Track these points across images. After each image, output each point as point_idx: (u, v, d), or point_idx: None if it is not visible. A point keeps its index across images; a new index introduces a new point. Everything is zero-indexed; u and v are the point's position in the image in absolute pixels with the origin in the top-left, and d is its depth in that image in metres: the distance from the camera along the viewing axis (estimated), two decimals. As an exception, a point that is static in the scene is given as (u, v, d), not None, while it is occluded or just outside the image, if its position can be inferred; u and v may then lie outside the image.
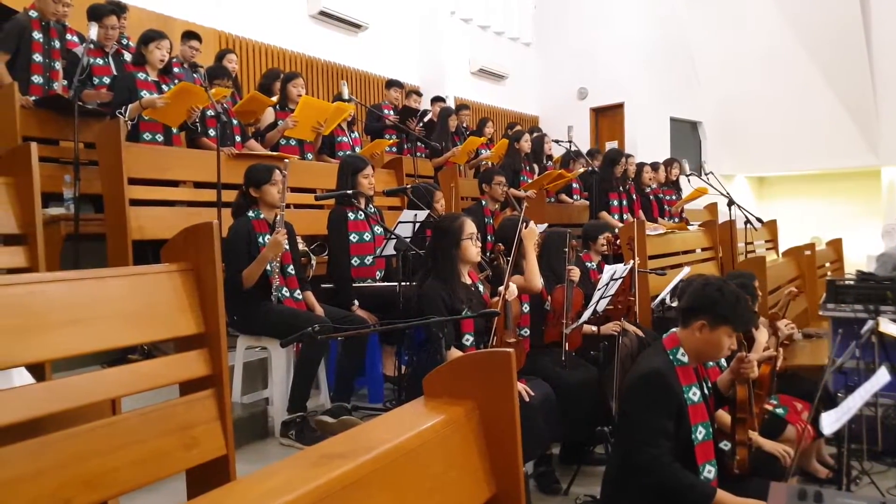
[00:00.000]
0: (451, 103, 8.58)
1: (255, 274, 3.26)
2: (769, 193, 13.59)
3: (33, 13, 4.38)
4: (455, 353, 2.87)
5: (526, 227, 3.29)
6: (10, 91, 3.84)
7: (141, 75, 4.21)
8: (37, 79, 4.34)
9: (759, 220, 6.11)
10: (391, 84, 7.32)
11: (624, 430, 2.42)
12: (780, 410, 3.06)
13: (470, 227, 3.08)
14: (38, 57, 4.34)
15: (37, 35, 4.35)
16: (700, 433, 2.25)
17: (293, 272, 3.48)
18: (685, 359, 2.30)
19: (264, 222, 3.42)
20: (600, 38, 11.03)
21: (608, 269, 3.52)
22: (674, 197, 7.46)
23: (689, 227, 6.50)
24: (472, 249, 3.07)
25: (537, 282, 3.31)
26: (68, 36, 4.60)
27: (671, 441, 2.18)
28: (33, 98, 4.08)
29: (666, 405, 2.20)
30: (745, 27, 10.95)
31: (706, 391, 2.35)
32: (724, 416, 2.54)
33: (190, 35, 5.63)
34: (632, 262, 3.95)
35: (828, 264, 6.95)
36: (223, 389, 1.78)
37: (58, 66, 4.44)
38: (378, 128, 6.83)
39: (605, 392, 3.41)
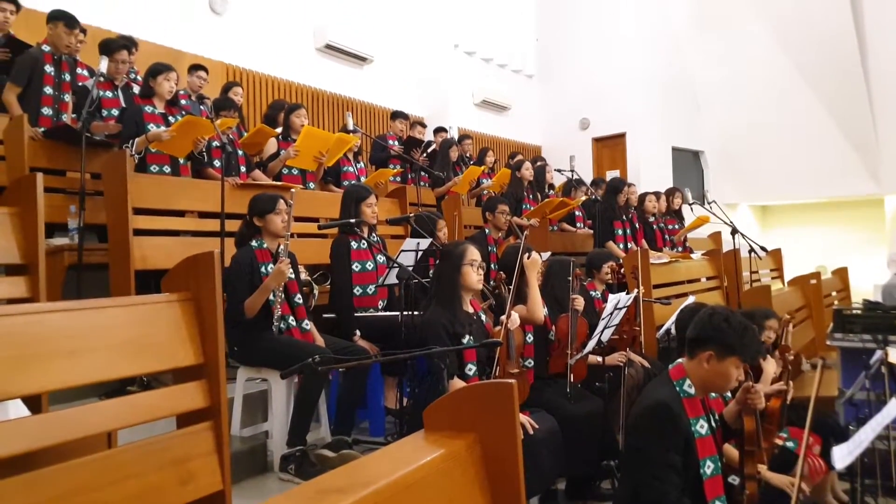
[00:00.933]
0: (454, 134, 8.66)
1: (258, 304, 3.25)
2: (773, 222, 13.59)
3: (46, 47, 4.46)
4: (458, 383, 2.83)
5: (528, 258, 3.28)
6: (19, 122, 3.88)
7: (148, 108, 4.26)
8: (47, 111, 4.41)
9: (763, 248, 6.09)
10: (396, 115, 7.40)
11: (632, 465, 2.37)
12: (790, 444, 3.00)
13: (472, 253, 3.07)
14: (48, 89, 4.42)
15: (48, 68, 4.43)
16: (709, 467, 2.20)
17: (300, 302, 3.46)
18: (692, 390, 2.26)
19: (267, 252, 3.42)
20: (602, 70, 11.15)
21: (612, 299, 3.49)
22: (676, 226, 7.45)
23: (692, 256, 6.48)
24: (473, 276, 3.06)
25: (539, 313, 3.28)
26: (79, 70, 4.68)
27: (680, 476, 2.13)
28: (42, 129, 4.12)
29: (674, 439, 2.16)
30: (745, 58, 11.06)
31: (713, 423, 2.31)
32: (730, 449, 2.49)
33: (197, 66, 5.71)
34: (636, 291, 3.92)
35: (834, 293, 6.90)
36: (221, 422, 1.75)
37: (67, 98, 4.51)
38: (383, 158, 6.88)
39: (612, 424, 3.36)
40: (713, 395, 2.46)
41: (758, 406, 2.35)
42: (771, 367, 3.43)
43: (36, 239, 2.17)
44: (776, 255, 7.78)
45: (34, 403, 1.76)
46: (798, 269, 7.06)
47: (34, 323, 1.44)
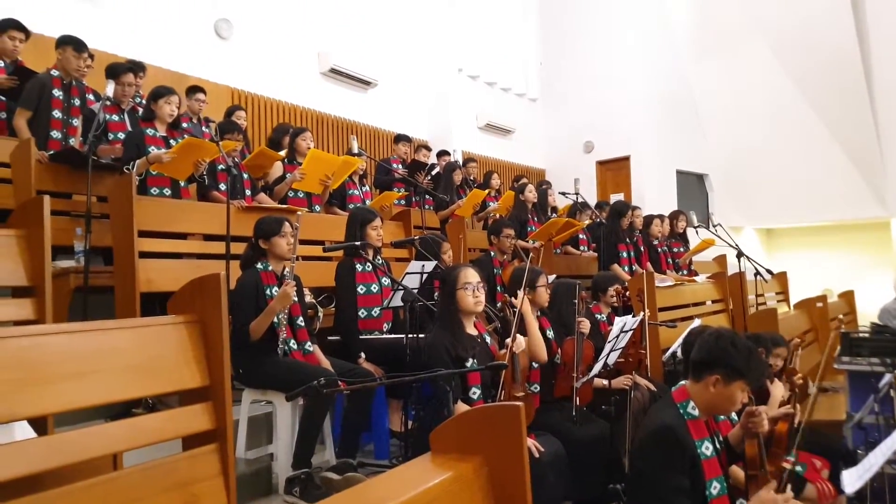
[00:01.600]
0: (458, 157, 8.71)
1: (263, 326, 3.24)
2: (778, 245, 13.56)
3: (55, 72, 4.52)
4: (462, 406, 2.82)
5: (525, 294, 3.28)
6: (26, 146, 3.91)
7: (150, 131, 4.29)
8: (55, 134, 4.46)
9: (769, 271, 6.07)
10: (399, 139, 7.45)
11: (639, 489, 2.34)
12: (798, 468, 2.97)
13: (465, 276, 3.06)
14: (57, 113, 4.47)
15: (57, 93, 4.48)
16: (715, 488, 2.18)
17: (303, 324, 3.46)
18: (696, 412, 2.25)
19: (272, 274, 3.42)
20: (606, 93, 11.23)
21: (618, 322, 3.48)
22: (681, 249, 7.45)
23: (696, 279, 6.47)
24: (468, 299, 3.05)
25: (542, 352, 3.27)
26: (87, 95, 4.73)
27: (689, 499, 2.11)
28: (50, 152, 4.16)
29: (680, 461, 2.14)
30: (748, 81, 11.13)
31: (718, 445, 2.29)
32: (738, 472, 2.46)
33: (194, 89, 5.77)
34: (642, 314, 3.91)
35: (841, 316, 6.86)
36: (227, 444, 1.74)
37: (76, 122, 4.56)
38: (387, 181, 6.92)
39: (618, 448, 3.33)
40: (721, 417, 2.44)
41: (761, 430, 2.33)
42: (779, 390, 3.41)
43: (42, 261, 2.18)
44: (782, 278, 7.76)
45: (40, 425, 1.75)
46: (804, 292, 7.04)
47: (40, 345, 1.44)
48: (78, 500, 1.39)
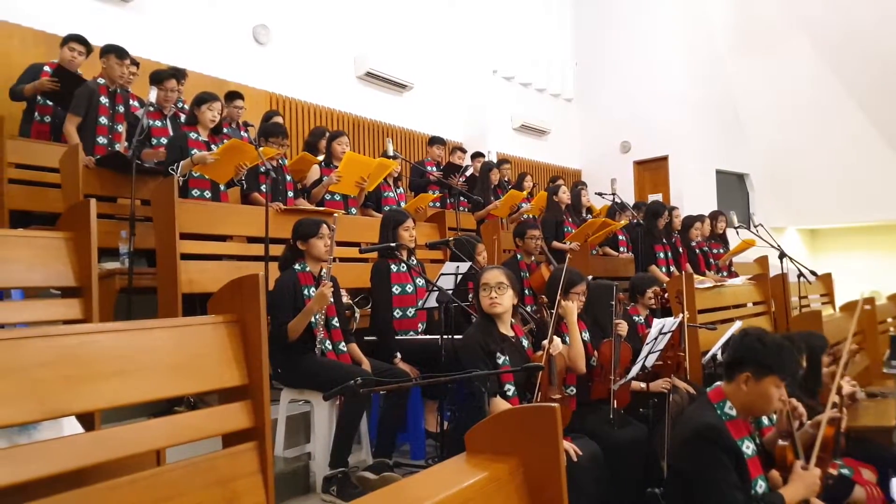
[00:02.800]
0: (493, 159, 8.69)
1: (301, 326, 3.29)
2: (822, 246, 13.20)
3: (101, 80, 4.66)
4: (500, 401, 2.82)
5: (563, 300, 3.26)
6: (74, 151, 4.04)
7: (192, 135, 4.39)
8: (101, 139, 4.60)
9: (812, 273, 5.92)
10: (434, 141, 7.47)
11: (681, 493, 2.31)
12: (845, 470, 2.89)
13: (483, 278, 3.07)
14: (103, 120, 4.61)
15: (103, 100, 4.62)
16: (760, 487, 2.15)
17: (338, 325, 3.50)
18: (733, 412, 2.23)
19: (310, 275, 3.46)
20: (643, 92, 11.09)
21: (657, 323, 3.43)
22: (721, 250, 7.31)
23: (736, 281, 6.33)
24: (484, 301, 3.05)
25: (581, 363, 3.24)
26: (132, 102, 4.87)
27: (744, 493, 2.09)
28: (96, 157, 4.29)
29: (728, 458, 2.12)
30: (791, 78, 10.88)
31: (756, 446, 2.26)
32: (777, 476, 2.41)
33: (233, 95, 5.88)
34: (681, 315, 3.85)
35: (889, 319, 6.65)
36: (265, 442, 1.77)
37: (121, 129, 4.70)
38: (422, 183, 6.94)
39: (656, 451, 3.28)
40: (765, 423, 2.40)
41: (799, 416, 2.28)
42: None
43: (89, 263, 2.24)
44: (827, 279, 7.55)
45: (87, 421, 1.80)
46: (850, 294, 6.82)
47: (86, 343, 1.49)
48: (123, 494, 1.43)
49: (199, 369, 1.68)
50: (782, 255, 5.82)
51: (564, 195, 6.65)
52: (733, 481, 2.09)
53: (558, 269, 3.62)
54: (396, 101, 9.18)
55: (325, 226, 3.51)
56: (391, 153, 5.75)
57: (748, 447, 2.19)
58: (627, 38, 11.38)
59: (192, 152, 4.23)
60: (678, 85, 10.90)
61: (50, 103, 4.71)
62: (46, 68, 4.74)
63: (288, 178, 4.94)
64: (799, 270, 5.80)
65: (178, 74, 5.16)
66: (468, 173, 7.12)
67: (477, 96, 10.22)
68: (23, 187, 4.28)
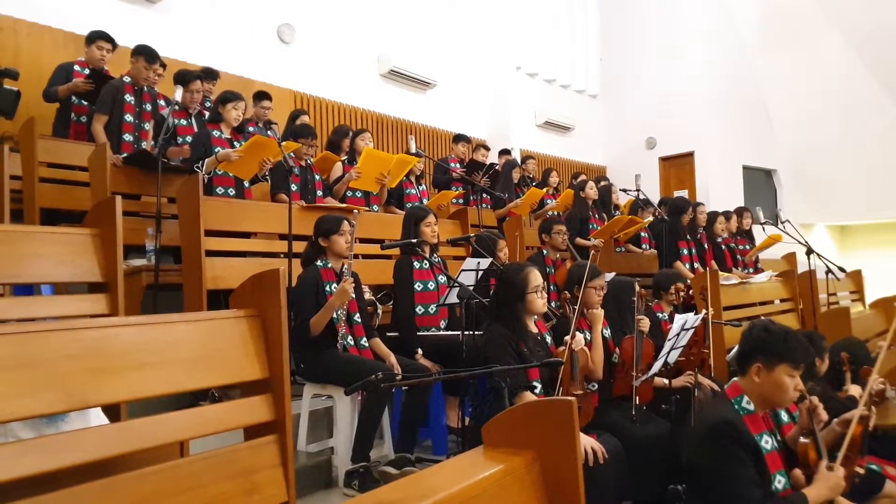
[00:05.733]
0: (517, 156, 8.66)
1: (323, 322, 3.32)
2: (852, 243, 12.94)
3: (127, 78, 4.74)
4: (528, 396, 2.82)
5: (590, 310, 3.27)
6: (102, 150, 4.12)
7: (216, 132, 4.44)
8: (127, 137, 4.68)
9: (841, 269, 5.81)
10: (458, 138, 7.47)
11: (700, 488, 2.29)
12: (874, 466, 2.84)
13: (535, 279, 3.04)
14: (129, 118, 4.69)
15: (129, 98, 4.70)
16: (779, 482, 2.13)
17: (359, 320, 3.52)
18: (751, 406, 2.21)
19: (332, 271, 3.49)
20: (668, 88, 10.97)
21: (679, 319, 3.40)
22: (747, 247, 7.20)
23: (762, 277, 6.24)
24: (538, 302, 3.03)
25: (599, 370, 3.23)
26: (159, 101, 4.95)
27: (761, 489, 2.07)
28: (123, 155, 4.36)
29: (745, 453, 2.10)
30: (821, 72, 10.67)
31: (776, 441, 2.23)
32: (799, 475, 2.38)
33: (261, 95, 5.94)
34: (704, 311, 3.81)
35: (922, 317, 6.49)
36: (286, 436, 1.79)
37: (147, 126, 4.77)
38: (444, 180, 6.95)
39: (679, 448, 3.25)
40: (785, 419, 2.36)
41: (821, 418, 2.27)
42: (854, 392, 3.28)
43: (115, 258, 2.28)
44: (856, 276, 7.41)
45: (113, 413, 1.84)
46: (881, 291, 6.69)
47: (110, 336, 1.52)
48: (147, 484, 1.46)
49: (220, 363, 1.71)
50: (810, 252, 5.73)
51: (591, 191, 6.60)
52: (750, 476, 2.07)
53: (578, 265, 3.61)
54: (420, 99, 9.20)
55: (345, 222, 3.54)
56: (413, 150, 5.76)
57: (767, 442, 2.17)
58: (653, 33, 11.26)
59: (216, 150, 4.29)
60: (704, 80, 10.76)
61: (85, 103, 4.80)
62: (77, 67, 4.83)
63: (317, 177, 4.99)
64: (827, 267, 5.70)
65: (210, 75, 5.23)
66: (493, 170, 7.10)
67: (500, 93, 10.20)
68: (53, 186, 4.37)
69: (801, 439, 2.25)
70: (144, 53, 4.72)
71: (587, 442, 2.69)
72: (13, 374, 1.31)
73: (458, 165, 7.08)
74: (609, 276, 4.31)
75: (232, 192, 4.43)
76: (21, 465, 1.28)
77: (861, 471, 2.80)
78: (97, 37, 4.84)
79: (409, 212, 4.23)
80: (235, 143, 4.47)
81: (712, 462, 2.16)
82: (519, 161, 7.99)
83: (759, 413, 2.21)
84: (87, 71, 4.78)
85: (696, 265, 6.13)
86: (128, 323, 1.55)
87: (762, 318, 4.67)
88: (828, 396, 2.89)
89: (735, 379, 2.30)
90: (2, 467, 1.26)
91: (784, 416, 2.37)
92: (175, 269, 4.02)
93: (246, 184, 4.51)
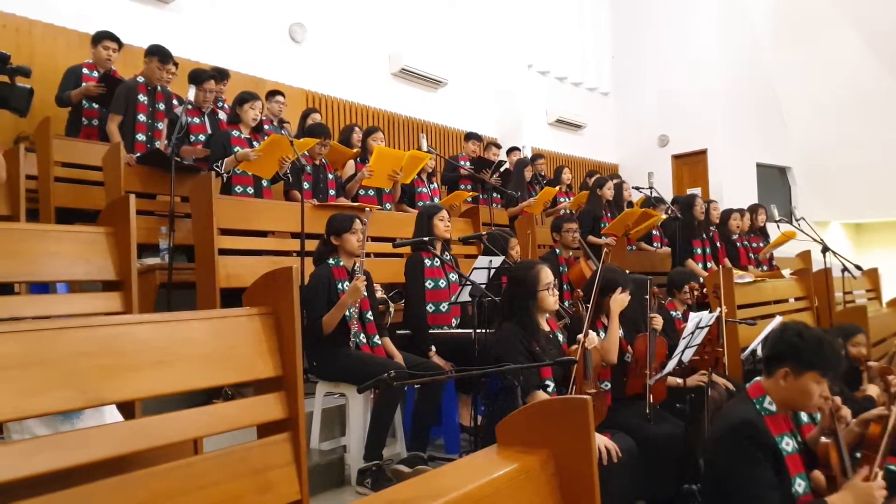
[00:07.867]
0: (528, 154, 8.63)
1: (335, 320, 3.32)
2: (868, 241, 12.80)
3: (140, 78, 4.76)
4: (541, 395, 2.81)
5: (616, 293, 3.23)
6: (116, 150, 4.15)
7: (235, 133, 4.47)
8: (140, 136, 4.71)
9: (858, 267, 5.75)
10: (470, 137, 7.44)
11: (718, 489, 2.26)
12: (892, 467, 2.79)
13: (546, 276, 3.03)
14: (142, 117, 4.71)
15: (142, 98, 4.73)
16: (800, 485, 2.09)
17: (371, 318, 3.52)
18: (773, 407, 2.17)
19: (344, 269, 3.49)
20: (681, 85, 10.89)
21: (693, 317, 3.37)
22: (761, 244, 7.14)
23: (783, 273, 6.17)
24: (550, 299, 3.02)
25: (614, 354, 3.21)
26: (172, 101, 4.97)
27: (779, 492, 2.03)
28: (136, 154, 4.39)
29: (764, 455, 2.07)
30: (835, 69, 10.56)
31: (798, 443, 2.20)
32: (820, 477, 2.34)
33: (274, 92, 5.97)
34: (718, 310, 3.77)
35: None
36: (299, 434, 1.79)
37: (160, 126, 4.80)
38: (453, 178, 6.93)
39: (693, 447, 3.22)
40: (805, 420, 2.34)
41: (844, 418, 2.23)
42: (873, 391, 3.24)
43: (129, 257, 2.30)
44: (873, 274, 7.33)
45: (128, 411, 1.85)
46: (898, 289, 6.63)
47: (125, 334, 1.53)
48: (161, 481, 1.46)
49: (234, 360, 1.71)
50: (825, 249, 5.67)
51: (609, 191, 6.56)
52: (769, 478, 2.03)
53: (615, 272, 3.50)
54: (431, 98, 9.19)
55: (357, 221, 3.54)
56: (425, 149, 5.75)
57: (787, 444, 2.13)
58: (665, 30, 11.18)
59: (235, 150, 4.32)
60: (717, 77, 10.67)
61: (96, 106, 4.83)
62: (85, 70, 4.85)
63: (330, 176, 5.00)
64: (843, 265, 5.64)
65: (221, 75, 5.25)
66: (503, 168, 7.08)
67: (512, 91, 10.17)
68: (68, 185, 4.40)
69: (823, 439, 2.22)
70: (158, 53, 4.74)
71: (601, 441, 2.67)
72: (29, 372, 1.32)
73: (467, 163, 7.06)
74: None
75: (251, 190, 4.46)
76: (37, 462, 1.29)
77: (880, 472, 2.77)
78: (102, 37, 4.87)
79: (423, 209, 4.24)
80: (254, 142, 4.50)
81: (730, 462, 2.13)
82: (530, 159, 7.96)
83: (780, 414, 2.18)
84: (95, 74, 4.81)
85: (710, 264, 6.09)
86: (142, 321, 1.56)
87: (777, 316, 4.64)
88: (845, 397, 2.85)
89: (758, 378, 2.26)
90: (18, 464, 1.26)
91: (804, 417, 2.34)
92: (188, 268, 4.04)
93: (265, 182, 4.53)
